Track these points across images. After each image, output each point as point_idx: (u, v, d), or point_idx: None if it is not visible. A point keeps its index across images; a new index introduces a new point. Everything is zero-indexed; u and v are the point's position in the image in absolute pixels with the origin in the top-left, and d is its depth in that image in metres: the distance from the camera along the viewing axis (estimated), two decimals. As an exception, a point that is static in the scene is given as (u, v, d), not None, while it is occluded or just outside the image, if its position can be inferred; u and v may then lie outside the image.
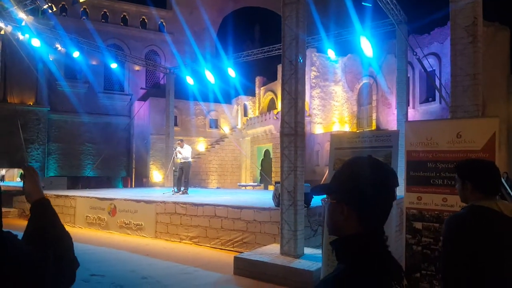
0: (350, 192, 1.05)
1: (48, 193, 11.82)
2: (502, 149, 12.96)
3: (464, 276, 1.75)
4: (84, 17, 22.43)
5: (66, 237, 1.26)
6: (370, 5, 10.25)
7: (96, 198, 10.34)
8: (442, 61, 14.41)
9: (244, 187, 18.94)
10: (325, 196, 1.23)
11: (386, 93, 16.82)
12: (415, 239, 3.69)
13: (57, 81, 20.73)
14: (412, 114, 15.10)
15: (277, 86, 20.80)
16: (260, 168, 20.93)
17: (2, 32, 12.67)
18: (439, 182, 3.71)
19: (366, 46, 12.09)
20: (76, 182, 18.23)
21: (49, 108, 20.76)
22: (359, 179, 1.05)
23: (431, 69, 14.35)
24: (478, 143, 3.46)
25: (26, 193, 1.32)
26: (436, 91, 14.17)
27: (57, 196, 11.27)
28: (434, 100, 15.05)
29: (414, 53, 9.99)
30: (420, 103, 15.64)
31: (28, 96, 20.34)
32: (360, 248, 1.02)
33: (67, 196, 11.05)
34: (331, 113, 19.23)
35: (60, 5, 21.39)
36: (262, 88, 23.36)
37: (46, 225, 1.25)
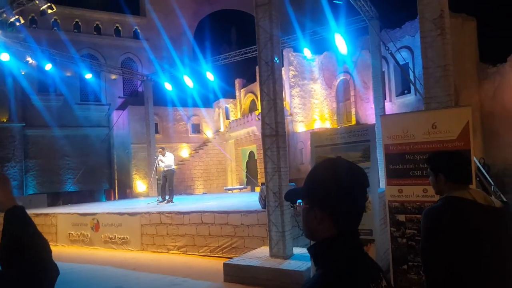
0: (321, 196, 1.05)
1: (27, 212, 11.46)
2: (477, 135, 13.34)
3: (444, 268, 1.77)
4: (55, 28, 21.89)
5: (43, 244, 1.23)
6: (341, 2, 10.38)
7: (78, 214, 10.10)
8: (415, 53, 14.72)
9: (230, 191, 18.86)
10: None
11: (364, 88, 17.08)
12: (400, 232, 3.74)
13: (30, 96, 20.14)
14: (390, 107, 15.38)
15: (257, 87, 20.72)
16: (245, 170, 20.90)
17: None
18: (418, 174, 3.77)
19: (341, 43, 12.25)
20: (57, 198, 17.74)
21: (23, 124, 20.16)
22: (329, 182, 1.05)
23: (405, 62, 14.65)
24: (453, 132, 3.54)
25: None
26: (410, 83, 14.47)
27: (37, 214, 10.92)
28: (409, 92, 15.37)
29: (387, 48, 10.18)
30: (397, 96, 15.94)
31: (1, 113, 19.72)
32: (335, 252, 1.02)
33: (47, 214, 10.74)
34: (312, 111, 19.39)
35: (30, 16, 20.83)
36: (242, 90, 23.35)
37: (21, 233, 1.21)
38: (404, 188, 3.80)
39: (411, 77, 13.82)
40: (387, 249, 3.95)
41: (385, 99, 14.16)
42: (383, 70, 13.42)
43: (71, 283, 6.31)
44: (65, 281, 6.51)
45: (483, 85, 14.23)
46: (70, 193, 18.95)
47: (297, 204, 1.16)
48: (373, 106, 13.51)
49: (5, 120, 19.67)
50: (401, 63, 12.81)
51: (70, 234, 9.99)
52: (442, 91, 4.42)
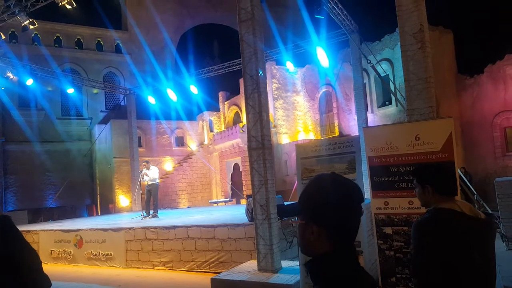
0: (317, 211, 1.06)
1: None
2: (457, 145, 13.69)
3: (439, 278, 1.79)
4: (36, 43, 21.58)
5: (32, 255, 1.18)
6: (323, 17, 10.61)
7: (60, 230, 9.82)
8: (395, 65, 15.12)
9: (216, 204, 18.70)
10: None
11: (344, 100, 17.38)
12: (387, 244, 3.77)
13: (10, 111, 19.69)
14: (372, 118, 15.67)
15: (241, 99, 20.92)
16: (230, 183, 20.79)
17: None
18: (403, 186, 3.83)
19: (322, 56, 12.48)
20: (38, 214, 17.20)
21: (3, 139, 19.65)
22: (324, 197, 1.06)
23: (385, 74, 15.01)
24: (437, 144, 3.62)
25: None
26: (392, 95, 14.81)
27: (17, 232, 10.58)
28: (390, 103, 15.71)
29: (368, 61, 10.42)
30: (378, 107, 16.27)
31: (-21, 129, 19.20)
32: (333, 268, 1.03)
33: (29, 231, 10.40)
34: (295, 123, 19.57)
35: (10, 32, 20.50)
36: (226, 102, 23.39)
37: (6, 244, 1.16)
38: (390, 201, 3.84)
39: (392, 88, 14.15)
40: (374, 261, 3.97)
41: (367, 110, 14.43)
42: (364, 82, 13.71)
43: (53, 304, 6.09)
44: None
45: (462, 96, 14.68)
46: (51, 209, 18.41)
47: (293, 220, 1.17)
48: (355, 118, 13.74)
49: (-17, 136, 19.14)
50: (381, 75, 13.12)
51: (53, 251, 9.70)
52: (424, 103, 4.54)
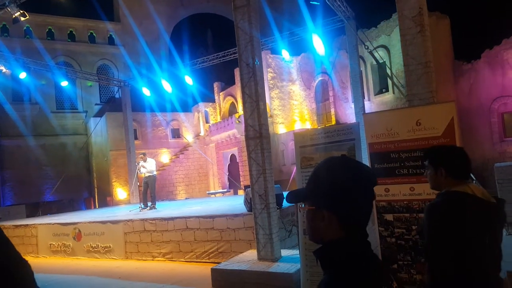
0: (328, 196, 1.01)
1: (5, 224, 11.03)
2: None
3: (452, 260, 1.76)
4: (28, 36, 21.23)
5: (22, 266, 1.10)
6: (318, 3, 10.46)
7: (58, 224, 9.78)
8: (391, 52, 15.01)
9: (213, 195, 18.69)
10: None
11: (340, 89, 17.28)
12: (388, 231, 3.74)
13: (3, 105, 19.47)
14: (368, 106, 15.61)
15: (236, 90, 20.77)
16: (227, 174, 20.77)
17: None
18: (404, 172, 3.78)
19: (318, 44, 12.35)
20: (36, 208, 17.15)
21: (-2, 134, 19.49)
22: (336, 182, 1.00)
23: (382, 61, 14.91)
24: (438, 129, 3.56)
25: None
26: (389, 81, 14.74)
27: (16, 226, 10.55)
28: (387, 91, 15.64)
29: (366, 47, 10.31)
30: (375, 94, 16.20)
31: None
32: (345, 255, 0.98)
33: (27, 225, 10.36)
34: (292, 112, 19.48)
35: (1, 25, 20.15)
36: (221, 93, 23.23)
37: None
38: (391, 187, 3.79)
39: (389, 75, 14.07)
40: (375, 248, 3.94)
41: (364, 98, 14.35)
42: (361, 69, 13.61)
43: (53, 297, 6.09)
44: (47, 295, 6.30)
45: (459, 82, 14.63)
46: (49, 203, 18.37)
47: (300, 206, 1.11)
48: (352, 106, 13.68)
49: (-23, 131, 18.96)
50: (377, 62, 13.02)
51: (51, 244, 9.67)
52: (424, 88, 4.47)
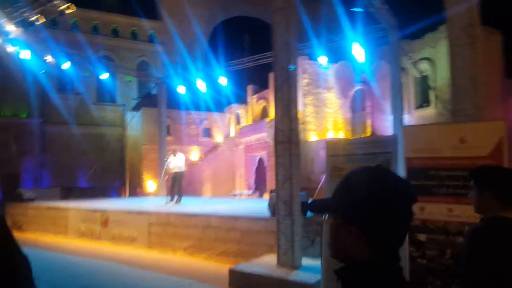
0: (358, 209, 0.86)
1: (40, 204, 11.60)
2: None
3: None
4: (74, 30, 22.25)
5: (23, 263, 1.02)
6: (362, 10, 10.19)
7: (88, 209, 10.12)
8: (435, 65, 14.40)
9: (238, 196, 18.68)
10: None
11: (381, 99, 16.77)
12: (419, 252, 3.49)
13: (48, 94, 20.50)
14: (408, 119, 15.05)
15: (269, 94, 20.70)
16: (254, 176, 20.70)
17: (-9, 45, 12.43)
18: (442, 192, 3.51)
19: (358, 52, 12.03)
20: (70, 192, 17.89)
21: (42, 120, 20.55)
22: (369, 194, 0.86)
23: (425, 73, 14.33)
24: (484, 148, 3.27)
25: None
26: (430, 96, 14.15)
27: (49, 208, 11.03)
28: (429, 105, 15.01)
29: (409, 56, 9.89)
30: (415, 108, 15.59)
31: (21, 109, 20.18)
32: (373, 279, 0.84)
33: (59, 207, 10.81)
34: (325, 120, 19.13)
35: (50, 18, 21.20)
36: (254, 96, 23.25)
37: None
38: (427, 206, 3.53)
39: (432, 89, 13.50)
40: (404, 268, 3.68)
41: (403, 111, 13.84)
42: (402, 81, 13.13)
43: (78, 277, 6.28)
44: (72, 275, 6.44)
45: (508, 101, 13.80)
46: (82, 189, 19.12)
47: (324, 218, 0.97)
48: (390, 118, 13.22)
49: (25, 116, 20.10)
50: (420, 75, 12.52)
51: (80, 228, 10.04)
52: (470, 103, 4.18)
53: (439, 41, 14.17)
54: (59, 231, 10.47)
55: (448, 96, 11.62)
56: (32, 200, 12.56)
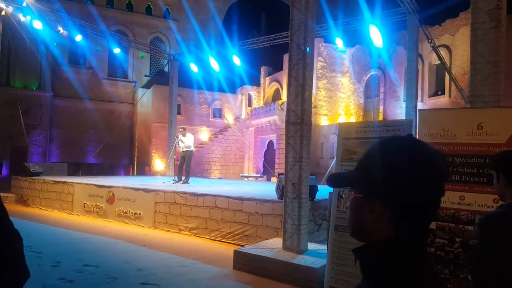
0: (383, 183, 0.77)
1: (46, 178, 11.67)
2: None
3: (496, 283, 1.52)
4: (88, 2, 22.06)
5: (14, 238, 0.97)
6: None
7: (94, 185, 10.13)
8: (453, 53, 13.98)
9: (246, 178, 18.72)
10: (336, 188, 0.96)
11: (395, 85, 16.42)
12: (428, 239, 3.41)
13: (60, 66, 20.46)
14: (421, 107, 14.73)
15: (283, 76, 20.44)
16: (263, 159, 20.68)
17: (3, 13, 12.38)
18: (456, 178, 3.41)
19: (376, 35, 11.70)
20: (78, 168, 18.08)
21: (52, 93, 20.57)
22: (397, 166, 0.77)
23: (442, 61, 13.93)
24: (501, 136, 3.16)
25: None
26: (447, 84, 13.78)
27: (55, 182, 11.09)
28: (443, 93, 14.66)
29: (429, 41, 9.57)
30: (429, 96, 15.25)
31: (31, 81, 20.16)
32: (393, 260, 0.76)
33: (65, 182, 10.85)
34: (337, 105, 18.87)
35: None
36: (267, 78, 22.99)
37: None
38: (437, 193, 3.44)
39: (448, 77, 13.14)
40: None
41: (417, 98, 13.55)
42: (418, 68, 12.79)
43: (81, 253, 6.32)
44: (76, 251, 6.52)
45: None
46: (90, 165, 19.27)
47: (344, 192, 0.89)
48: (403, 105, 12.97)
49: (35, 88, 20.10)
50: (438, 62, 12.16)
51: (86, 204, 10.06)
52: (489, 89, 4.00)
53: (459, 28, 13.71)
54: (64, 207, 10.55)
55: (464, 85, 11.31)
56: (39, 174, 12.59)
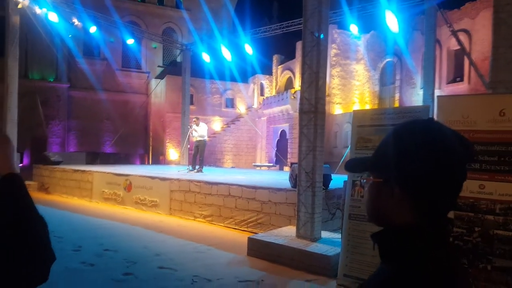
0: (404, 168, 0.74)
1: (66, 167, 11.96)
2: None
3: None
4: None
5: (40, 224, 1.00)
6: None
7: (112, 173, 10.35)
8: (473, 38, 13.56)
9: (259, 167, 18.75)
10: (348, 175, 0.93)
11: (411, 72, 16.07)
12: (449, 227, 3.35)
13: (75, 58, 20.73)
14: (439, 94, 14.42)
15: (295, 64, 20.23)
16: (275, 149, 20.66)
17: (20, 6, 12.51)
18: (475, 167, 3.33)
19: (392, 21, 11.41)
20: (95, 158, 18.42)
21: (68, 84, 20.93)
22: (417, 150, 0.74)
23: (462, 46, 13.54)
24: (525, 122, 3.05)
25: None
26: (466, 70, 13.41)
27: (75, 170, 11.35)
28: (462, 80, 14.28)
29: (448, 25, 9.30)
30: (447, 83, 14.89)
31: (48, 73, 20.53)
32: (416, 246, 0.73)
33: (84, 171, 11.11)
34: (351, 93, 18.61)
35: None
36: (279, 66, 22.79)
37: (15, 208, 0.98)
38: (456, 181, 3.36)
39: (467, 63, 12.78)
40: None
41: (434, 85, 13.25)
42: (435, 54, 12.47)
43: (101, 238, 6.51)
44: (96, 236, 6.69)
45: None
46: (107, 154, 19.62)
47: (363, 177, 0.87)
48: (419, 92, 12.71)
49: (52, 80, 20.49)
50: (456, 47, 11.82)
51: (104, 192, 10.30)
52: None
53: (480, 11, 13.26)
54: (84, 194, 10.82)
55: (484, 71, 10.98)
56: (59, 163, 12.88)
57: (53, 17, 13.01)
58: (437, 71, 14.70)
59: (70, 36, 18.02)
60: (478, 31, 13.10)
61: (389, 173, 0.77)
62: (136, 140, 22.84)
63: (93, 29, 14.36)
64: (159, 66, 23.94)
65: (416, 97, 15.37)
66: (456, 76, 14.75)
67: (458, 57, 14.13)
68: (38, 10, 12.94)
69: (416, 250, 0.73)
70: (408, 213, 0.76)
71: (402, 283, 0.71)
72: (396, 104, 16.80)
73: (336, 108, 18.29)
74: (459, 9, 14.24)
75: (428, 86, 11.11)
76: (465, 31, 13.80)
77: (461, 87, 14.20)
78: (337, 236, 5.72)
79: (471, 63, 11.80)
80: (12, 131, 11.37)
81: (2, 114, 12.13)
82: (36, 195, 11.23)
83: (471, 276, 3.24)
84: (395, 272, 0.73)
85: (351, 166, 0.88)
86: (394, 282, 0.72)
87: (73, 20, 13.95)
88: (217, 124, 22.31)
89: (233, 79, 22.09)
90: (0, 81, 12.40)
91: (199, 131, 11.24)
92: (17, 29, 12.29)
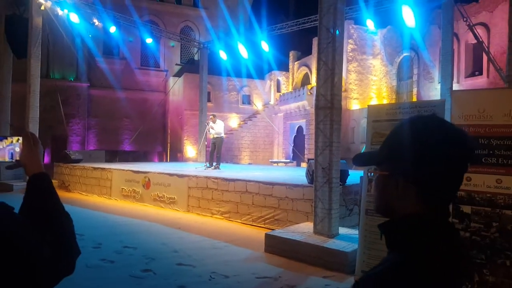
0: (408, 161, 0.81)
1: (86, 165, 12.28)
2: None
3: None
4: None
5: (66, 219, 1.09)
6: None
7: (131, 171, 10.55)
8: (491, 31, 13.22)
9: (276, 164, 18.81)
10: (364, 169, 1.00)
11: (428, 67, 15.80)
12: (463, 224, 3.35)
13: (95, 58, 21.23)
14: (457, 88, 14.13)
15: (312, 60, 20.15)
16: (292, 145, 20.66)
17: (43, 8, 12.91)
18: (492, 161, 3.32)
19: (408, 16, 11.24)
20: (114, 155, 18.85)
21: (88, 83, 21.46)
22: (420, 144, 0.80)
23: (479, 40, 13.24)
24: (543, 116, 3.03)
25: (22, 165, 1.12)
26: (484, 64, 13.11)
27: (95, 168, 11.63)
28: (480, 74, 13.96)
29: (465, 19, 9.12)
30: (466, 77, 14.58)
31: (69, 72, 21.11)
32: (421, 234, 0.79)
33: (104, 168, 11.35)
34: (369, 88, 18.42)
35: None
36: (296, 62, 22.74)
37: (44, 204, 1.07)
38: (473, 176, 3.35)
39: (486, 57, 12.48)
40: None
41: (452, 79, 13.00)
42: (453, 48, 12.22)
43: (120, 235, 6.67)
44: (116, 233, 6.89)
45: None
46: (126, 152, 20.05)
47: (371, 170, 0.94)
48: (437, 87, 12.49)
49: (72, 79, 21.06)
50: (474, 41, 11.56)
51: (123, 189, 10.52)
52: (531, 68, 3.82)
53: (498, 4, 12.92)
54: (103, 192, 11.06)
55: (503, 64, 10.70)
56: (79, 161, 13.17)
57: (74, 18, 13.37)
58: (455, 65, 14.40)
59: (90, 36, 18.47)
60: (497, 25, 12.77)
61: (395, 166, 0.84)
62: (154, 138, 23.25)
63: (112, 29, 14.69)
64: (177, 64, 24.25)
65: (434, 92, 15.11)
66: (475, 70, 14.42)
67: (477, 51, 13.81)
68: (60, 12, 13.33)
69: (421, 238, 0.79)
70: (413, 205, 0.82)
71: (408, 269, 0.76)
72: (414, 98, 16.55)
73: (353, 103, 18.16)
74: (477, 2, 13.90)
75: (446, 80, 10.92)
76: (484, 24, 13.47)
77: (479, 81, 13.88)
78: (354, 232, 5.74)
79: (489, 57, 11.52)
80: (34, 130, 11.74)
81: (24, 113, 12.58)
82: (58, 193, 11.58)
83: (489, 271, 3.24)
84: (401, 259, 0.78)
85: (358, 160, 0.95)
86: (399, 269, 0.77)
87: (94, 21, 14.32)
88: (234, 121, 22.47)
89: (249, 76, 22.17)
90: (23, 81, 12.83)
91: (216, 128, 11.38)
92: (40, 31, 12.69)
